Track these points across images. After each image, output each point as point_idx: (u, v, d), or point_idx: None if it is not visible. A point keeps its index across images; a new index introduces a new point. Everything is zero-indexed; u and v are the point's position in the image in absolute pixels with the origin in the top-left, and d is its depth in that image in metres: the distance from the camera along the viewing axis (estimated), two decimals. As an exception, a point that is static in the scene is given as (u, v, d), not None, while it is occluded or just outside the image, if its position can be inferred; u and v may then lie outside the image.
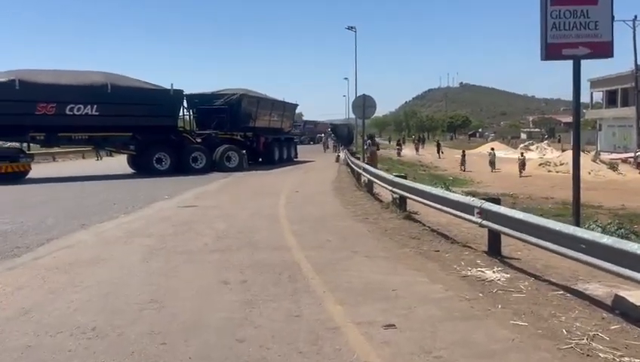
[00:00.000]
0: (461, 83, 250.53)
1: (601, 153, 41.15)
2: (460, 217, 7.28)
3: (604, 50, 7.98)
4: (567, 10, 7.87)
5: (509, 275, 5.66)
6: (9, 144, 21.48)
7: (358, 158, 19.62)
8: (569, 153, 42.08)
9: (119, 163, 22.85)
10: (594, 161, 34.94)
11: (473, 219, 6.70)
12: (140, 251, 6.91)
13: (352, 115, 25.21)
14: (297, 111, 45.97)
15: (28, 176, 18.58)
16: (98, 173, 20.55)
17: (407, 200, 9.87)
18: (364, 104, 23.12)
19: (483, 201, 6.58)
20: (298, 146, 32.41)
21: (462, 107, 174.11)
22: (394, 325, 4.13)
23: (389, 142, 68.13)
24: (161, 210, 10.89)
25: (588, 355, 3.59)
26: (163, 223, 9.11)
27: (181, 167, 20.29)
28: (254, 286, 5.23)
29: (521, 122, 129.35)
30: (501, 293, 5.01)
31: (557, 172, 34.68)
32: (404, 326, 4.14)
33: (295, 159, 29.31)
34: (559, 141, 65.10)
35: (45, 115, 17.71)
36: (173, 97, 20.63)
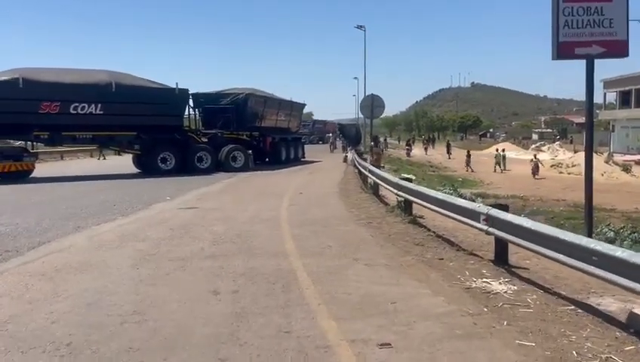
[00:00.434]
0: (472, 83, 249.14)
1: (614, 154, 40.44)
2: (465, 223, 6.95)
3: (619, 49, 7.62)
4: (580, 7, 7.52)
5: (516, 287, 5.33)
6: (18, 143, 21.46)
7: (366, 159, 19.26)
8: (581, 154, 41.39)
9: (127, 162, 22.72)
10: (607, 162, 34.32)
11: (479, 226, 6.38)
12: (131, 256, 6.66)
13: (362, 115, 24.88)
14: (307, 110, 45.72)
15: (32, 175, 18.50)
16: (103, 172, 20.42)
17: (413, 204, 9.57)
18: (372, 104, 22.80)
19: (489, 208, 6.25)
20: (306, 146, 32.14)
21: (473, 107, 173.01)
22: (390, 344, 3.84)
23: (399, 141, 67.61)
24: (160, 211, 10.66)
25: (601, 383, 3.28)
26: (160, 226, 8.87)
27: (186, 167, 20.10)
28: (245, 297, 4.96)
29: (532, 122, 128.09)
30: (507, 308, 4.69)
31: (569, 173, 34.11)
32: (401, 345, 3.84)
33: (302, 159, 29.02)
34: (571, 142, 64.26)
35: (49, 113, 17.58)
36: (179, 96, 20.43)
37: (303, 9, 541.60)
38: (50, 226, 8.81)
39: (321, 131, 62.44)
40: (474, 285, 5.39)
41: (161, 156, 19.91)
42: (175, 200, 12.51)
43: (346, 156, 27.61)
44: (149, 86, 19.92)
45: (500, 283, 5.46)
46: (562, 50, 7.43)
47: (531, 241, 5.35)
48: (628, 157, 39.13)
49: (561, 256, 4.85)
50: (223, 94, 23.64)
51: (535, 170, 30.98)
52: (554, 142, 64.11)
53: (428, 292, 5.15)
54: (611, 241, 10.79)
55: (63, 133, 18.46)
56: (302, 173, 20.90)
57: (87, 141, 20.00)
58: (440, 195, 8.13)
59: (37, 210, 10.83)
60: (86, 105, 18.06)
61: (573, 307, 4.75)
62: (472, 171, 35.51)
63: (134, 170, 21.06)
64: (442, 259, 6.55)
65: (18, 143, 21.34)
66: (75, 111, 17.96)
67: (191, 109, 22.43)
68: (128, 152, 21.06)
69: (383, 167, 17.63)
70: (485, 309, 4.63)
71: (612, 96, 54.11)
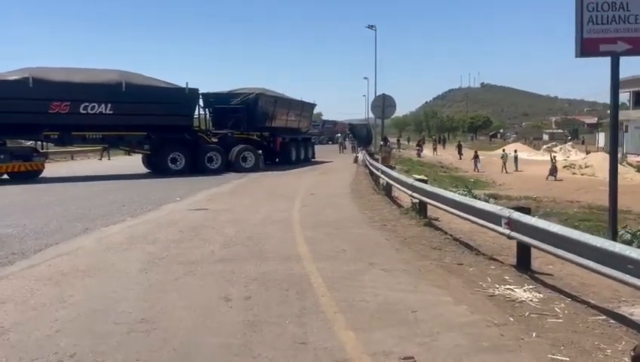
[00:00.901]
0: (482, 83, 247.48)
1: (628, 155, 39.80)
2: (485, 227, 6.69)
3: (645, 46, 7.30)
4: (605, 2, 7.22)
5: (541, 295, 5.07)
6: (29, 143, 21.46)
7: (377, 160, 19.03)
8: (594, 155, 40.93)
9: (132, 162, 22.65)
10: (620, 163, 33.77)
11: (500, 229, 6.12)
12: (140, 260, 6.47)
13: (372, 115, 24.62)
14: (316, 110, 45.43)
15: (42, 175, 18.45)
16: (113, 172, 20.32)
17: (428, 205, 9.32)
18: (383, 104, 22.60)
19: (512, 211, 5.98)
20: (316, 146, 31.91)
21: (483, 107, 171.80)
22: (413, 358, 3.60)
23: (408, 142, 67.18)
24: (170, 212, 10.49)
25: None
26: (170, 228, 8.69)
27: (196, 167, 19.96)
28: (258, 305, 4.73)
29: (543, 123, 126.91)
30: (535, 318, 4.43)
31: (582, 174, 33.61)
32: (425, 358, 3.60)
33: (312, 159, 28.80)
34: (583, 142, 63.52)
35: (59, 113, 17.50)
36: (189, 96, 20.29)
37: (311, 9, 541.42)
38: (58, 228, 8.65)
39: (330, 131, 62.21)
40: (497, 292, 5.13)
41: (171, 156, 19.78)
42: (185, 200, 12.34)
43: (357, 156, 27.38)
44: (159, 85, 19.80)
45: (524, 290, 5.20)
46: (586, 47, 7.14)
47: (558, 247, 5.09)
48: (642, 157, 38.49)
49: (591, 263, 4.58)
50: (233, 94, 23.48)
51: (554, 171, 30.41)
52: (566, 142, 63.39)
53: (449, 299, 4.90)
54: (628, 244, 10.46)
55: (73, 133, 18.38)
56: (313, 174, 20.67)
57: (97, 141, 19.92)
58: (458, 197, 7.87)
59: (45, 210, 10.69)
60: (96, 105, 17.97)
61: (604, 317, 4.49)
62: (479, 171, 35.22)
63: (143, 170, 20.97)
64: (461, 263, 6.30)
65: (28, 143, 21.35)
66: (85, 111, 17.87)
67: (201, 109, 22.31)
68: (138, 152, 20.95)
69: (394, 167, 17.34)
70: (511, 319, 4.38)
71: (625, 97, 53.27)
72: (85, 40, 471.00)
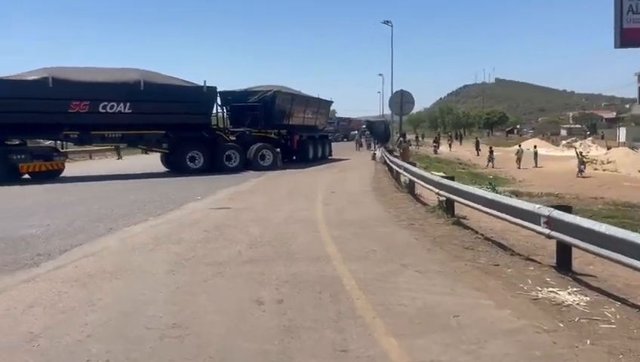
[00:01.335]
0: (497, 79, 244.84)
1: (651, 150, 38.92)
2: (521, 226, 6.43)
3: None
4: (645, -10, 6.91)
5: (588, 298, 4.82)
6: (48, 143, 21.55)
7: (397, 157, 18.76)
8: (615, 150, 40.06)
9: (145, 161, 22.67)
10: (643, 158, 33.04)
11: (539, 229, 5.86)
12: (166, 260, 6.34)
13: (387, 112, 24.40)
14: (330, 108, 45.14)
15: (62, 175, 18.51)
16: (131, 171, 20.32)
17: (455, 203, 9.07)
18: (401, 100, 22.34)
19: (552, 209, 5.73)
20: (332, 144, 31.70)
21: (498, 103, 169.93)
22: (463, 367, 3.39)
23: (422, 138, 66.59)
24: (192, 212, 10.37)
25: None
26: (194, 227, 8.56)
27: (214, 166, 19.88)
28: (292, 308, 4.56)
29: (560, 118, 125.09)
30: (585, 323, 4.19)
31: (604, 170, 32.94)
32: (476, 368, 3.39)
33: (330, 157, 28.60)
34: (602, 137, 62.33)
35: (79, 113, 17.53)
36: (207, 94, 20.20)
37: (325, 5, 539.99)
38: (81, 228, 8.57)
39: (345, 129, 61.93)
40: (540, 295, 4.89)
41: (190, 155, 19.73)
42: (206, 199, 12.22)
43: (375, 154, 27.10)
44: (178, 84, 19.75)
45: (568, 293, 4.96)
46: (626, 38, 6.87)
47: (603, 246, 4.84)
48: (666, 153, 37.59)
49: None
50: (250, 92, 23.36)
51: (581, 167, 29.76)
52: (585, 138, 62.32)
53: (490, 303, 4.68)
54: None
55: (92, 133, 18.39)
56: (331, 172, 20.48)
57: (117, 140, 19.94)
58: (490, 195, 7.62)
59: (68, 210, 10.65)
60: (115, 104, 17.97)
61: (659, 322, 4.24)
62: (494, 167, 34.81)
63: (161, 168, 20.95)
64: (498, 264, 6.07)
65: (48, 143, 21.44)
66: (104, 110, 17.89)
67: (219, 107, 22.24)
68: (156, 151, 20.94)
69: (416, 164, 17.06)
70: (561, 325, 4.14)
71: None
72: (101, 38, 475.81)
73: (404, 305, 4.64)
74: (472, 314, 4.40)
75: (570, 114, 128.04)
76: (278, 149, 22.61)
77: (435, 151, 43.38)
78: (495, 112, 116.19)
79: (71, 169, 20.46)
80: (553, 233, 5.64)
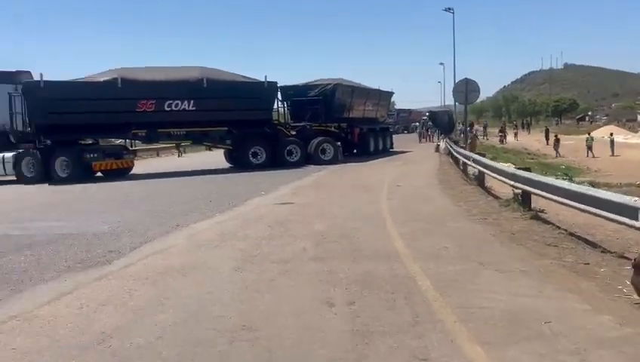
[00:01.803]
0: (565, 63, 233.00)
1: None
2: (613, 220, 5.84)
3: None
4: None
5: (700, 303, 4.25)
6: (118, 141, 22.42)
7: (463, 147, 18.04)
8: None
9: (218, 157, 23.07)
10: None
11: (637, 224, 5.27)
12: (233, 257, 6.25)
13: (448, 102, 23.63)
14: (390, 99, 44.30)
15: (131, 172, 19.18)
16: (196, 167, 20.76)
17: (531, 196, 8.48)
18: (466, 89, 21.52)
19: (653, 202, 5.13)
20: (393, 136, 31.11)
21: (566, 90, 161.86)
22: (564, 383, 3.00)
23: (486, 128, 64.25)
24: (256, 207, 10.33)
25: None
26: (258, 223, 8.48)
27: (276, 161, 19.92)
28: (364, 311, 4.30)
29: (636, 103, 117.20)
30: (703, 333, 3.66)
31: (691, 158, 30.45)
32: (579, 384, 3.00)
33: (391, 150, 28.08)
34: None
35: (146, 111, 18.08)
36: (268, 90, 20.26)
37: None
38: (150, 224, 8.70)
39: (405, 120, 60.92)
40: (643, 299, 4.36)
41: (252, 150, 19.87)
42: (269, 195, 12.18)
43: (438, 145, 26.34)
44: (239, 80, 19.93)
45: (676, 297, 4.39)
46: None
47: None
48: None
49: None
50: (310, 86, 23.26)
51: None
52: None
53: (587, 307, 4.21)
54: None
55: (159, 130, 18.93)
56: (394, 164, 20.02)
57: (181, 137, 20.38)
58: (575, 187, 7.00)
59: (137, 206, 10.91)
60: (179, 102, 18.38)
61: None
62: (560, 157, 33.08)
63: (224, 164, 21.27)
64: (588, 263, 5.53)
65: (118, 141, 22.29)
66: (170, 109, 18.33)
67: (279, 102, 22.29)
68: (220, 147, 21.27)
69: (484, 155, 16.32)
70: (674, 334, 3.64)
71: None
72: (163, 40, 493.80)
73: (487, 308, 4.26)
74: (566, 319, 3.96)
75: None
76: (339, 143, 22.40)
77: (501, 141, 41.71)
78: (564, 99, 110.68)
79: (139, 166, 21.15)
80: (655, 229, 5.06)
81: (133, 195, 13.03)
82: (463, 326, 3.89)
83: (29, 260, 6.50)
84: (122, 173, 18.51)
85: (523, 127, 63.30)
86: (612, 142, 34.37)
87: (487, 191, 11.54)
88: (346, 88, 23.75)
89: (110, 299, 4.82)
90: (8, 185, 17.48)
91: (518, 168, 9.28)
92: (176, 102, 18.34)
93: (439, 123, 30.16)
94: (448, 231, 7.36)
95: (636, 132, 54.92)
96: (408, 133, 53.95)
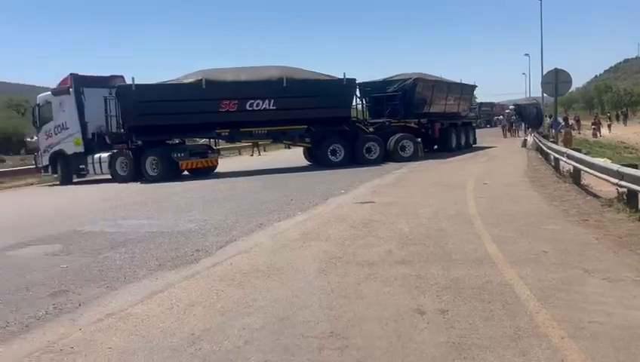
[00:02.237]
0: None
1: None
2: None
3: None
4: None
5: None
6: (202, 141, 23.26)
7: (554, 142, 16.93)
8: None
9: (294, 155, 23.30)
10: None
11: None
12: (317, 259, 6.16)
13: (534, 94, 22.34)
14: (470, 93, 42.57)
15: (215, 171, 19.80)
16: (275, 166, 21.06)
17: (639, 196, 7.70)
18: (556, 79, 20.32)
19: None
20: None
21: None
22: None
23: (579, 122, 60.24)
24: (337, 206, 10.22)
25: None
26: (341, 223, 8.35)
27: (355, 158, 19.75)
28: (459, 321, 4.02)
29: None
30: None
31: None
32: None
33: (474, 145, 27.03)
34: None
35: (229, 111, 18.55)
36: (347, 87, 20.11)
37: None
38: (234, 223, 8.84)
39: (488, 114, 58.56)
40: None
41: (331, 148, 19.82)
42: (350, 193, 12.04)
43: (526, 140, 24.96)
44: (318, 78, 19.91)
45: None
46: None
47: None
48: None
49: None
50: (389, 81, 22.84)
51: None
52: None
53: None
54: None
55: (241, 130, 19.35)
56: (478, 161, 19.20)
57: (263, 136, 20.72)
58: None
59: (222, 205, 11.16)
60: (260, 102, 18.68)
61: None
62: None
63: (302, 163, 21.40)
64: None
65: (202, 141, 23.12)
66: (251, 108, 18.69)
67: (357, 99, 22.09)
68: (299, 146, 21.43)
69: (580, 150, 15.21)
70: None
71: None
72: (243, 42, 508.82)
73: (599, 322, 3.84)
74: (697, 340, 3.47)
75: None
76: (419, 139, 21.80)
77: (595, 135, 38.88)
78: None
79: (222, 165, 21.79)
80: None
81: (217, 194, 13.38)
82: (573, 344, 3.51)
83: (123, 257, 6.78)
84: (207, 172, 19.15)
85: (618, 119, 58.67)
86: None
87: (585, 189, 10.70)
88: (426, 82, 23.10)
89: (199, 300, 4.87)
90: (103, 184, 18.67)
91: (624, 165, 8.46)
92: (258, 101, 18.67)
93: (526, 116, 28.60)
94: (545, 234, 6.83)
95: None
96: (491, 127, 51.85)
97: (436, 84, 24.02)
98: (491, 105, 63.20)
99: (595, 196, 9.71)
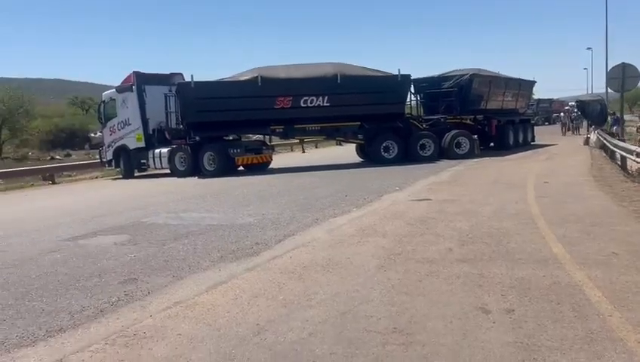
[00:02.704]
0: None
1: None
2: None
3: None
4: None
5: None
6: (256, 137, 23.67)
7: (622, 140, 16.14)
8: None
9: (347, 152, 23.30)
10: None
11: None
12: (375, 255, 6.15)
13: (596, 90, 21.39)
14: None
15: (270, 167, 20.09)
16: (327, 162, 21.13)
17: None
18: (623, 74, 19.48)
19: None
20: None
21: None
22: None
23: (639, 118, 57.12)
24: (392, 203, 10.16)
25: None
26: (397, 220, 8.30)
27: (408, 155, 19.56)
28: (526, 321, 3.92)
29: None
30: None
31: None
32: None
33: (532, 143, 26.15)
34: None
35: (283, 108, 18.79)
36: (401, 83, 19.92)
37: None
38: (291, 218, 8.96)
39: (546, 111, 56.58)
40: None
41: (384, 145, 19.71)
42: (404, 190, 11.93)
43: (588, 138, 23.92)
44: (372, 75, 19.83)
45: None
46: None
47: None
48: None
49: None
50: (444, 77, 22.45)
51: None
52: None
53: None
54: None
55: (295, 126, 19.53)
56: (537, 159, 18.56)
57: (316, 133, 20.84)
58: None
59: (278, 200, 11.33)
60: (314, 98, 18.81)
61: None
62: None
63: (355, 159, 21.36)
64: None
65: (256, 137, 23.52)
66: (305, 105, 18.85)
67: (412, 95, 21.83)
68: (352, 142, 21.40)
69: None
70: None
71: None
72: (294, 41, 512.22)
73: (679, 329, 3.65)
74: None
75: None
76: (475, 136, 21.31)
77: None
78: None
79: (275, 161, 22.08)
80: None
81: (273, 189, 13.58)
82: (652, 349, 3.36)
83: (186, 249, 7.02)
84: (261, 168, 19.48)
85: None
86: None
87: (656, 189, 10.15)
88: (482, 78, 22.54)
89: (261, 292, 4.97)
90: (163, 178, 19.34)
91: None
92: (312, 98, 18.80)
93: (589, 113, 27.34)
94: (615, 235, 6.53)
95: None
96: (549, 124, 50.04)
97: (493, 80, 23.40)
98: (550, 101, 60.92)
99: (668, 197, 9.19)
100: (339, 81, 18.76)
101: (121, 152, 21.23)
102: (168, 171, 20.12)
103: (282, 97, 18.70)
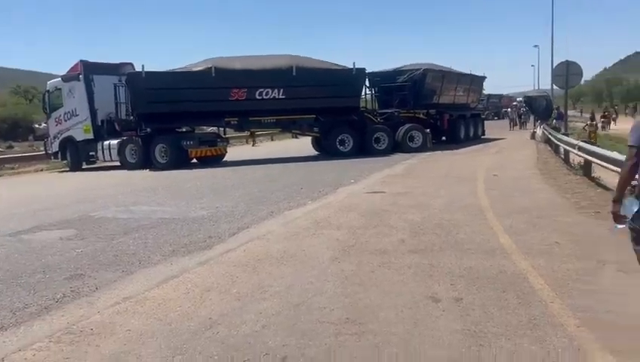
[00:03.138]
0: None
1: None
2: None
3: None
4: None
5: None
6: (211, 129, 23.28)
7: (567, 135, 16.84)
8: None
9: (304, 145, 23.29)
10: None
11: None
12: (329, 247, 6.19)
13: (542, 86, 22.28)
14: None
15: (224, 159, 19.83)
16: (283, 155, 21.06)
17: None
18: (567, 71, 20.24)
19: None
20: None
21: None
22: None
23: (581, 114, 59.84)
24: (348, 196, 10.24)
25: None
26: (351, 212, 8.37)
27: (363, 148, 19.73)
28: (473, 309, 4.05)
29: None
30: None
31: None
32: None
33: (482, 137, 26.93)
34: None
35: (238, 100, 18.56)
36: (356, 76, 20.04)
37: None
38: (245, 211, 8.89)
39: (496, 106, 58.30)
40: None
41: (340, 138, 19.80)
42: (359, 183, 12.05)
43: (535, 132, 24.85)
44: (328, 68, 19.85)
45: None
46: None
47: None
48: None
49: None
50: (399, 71, 22.77)
51: None
52: None
53: None
54: None
55: (250, 118, 19.34)
56: (487, 152, 19.14)
57: (271, 125, 20.74)
58: None
59: (232, 193, 11.21)
60: (270, 90, 18.66)
61: None
62: None
63: (310, 152, 21.38)
64: None
65: (210, 129, 23.13)
66: (260, 97, 18.68)
67: (367, 89, 22.02)
68: (307, 135, 21.40)
69: (594, 143, 15.14)
70: None
71: None
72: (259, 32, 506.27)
73: (615, 312, 3.86)
74: None
75: None
76: (428, 130, 21.74)
77: (603, 128, 38.55)
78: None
79: (231, 153, 21.83)
80: None
81: (227, 181, 13.43)
82: (589, 333, 3.53)
83: (136, 243, 6.85)
84: (216, 160, 19.20)
85: (626, 113, 58.15)
86: None
87: (596, 182, 10.65)
88: (435, 73, 23.00)
89: (214, 285, 4.92)
90: (113, 171, 18.77)
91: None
92: (267, 90, 18.65)
93: (536, 108, 28.43)
94: (557, 226, 6.83)
95: None
96: (499, 119, 51.65)
97: (446, 75, 23.91)
98: (499, 97, 62.87)
99: (607, 189, 9.64)
100: (294, 74, 18.68)
101: (68, 144, 20.44)
102: (118, 164, 19.54)
103: (237, 89, 18.46)
